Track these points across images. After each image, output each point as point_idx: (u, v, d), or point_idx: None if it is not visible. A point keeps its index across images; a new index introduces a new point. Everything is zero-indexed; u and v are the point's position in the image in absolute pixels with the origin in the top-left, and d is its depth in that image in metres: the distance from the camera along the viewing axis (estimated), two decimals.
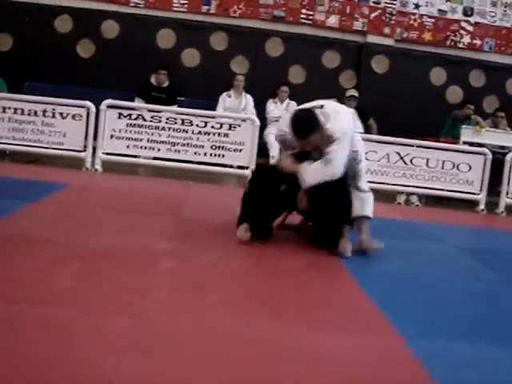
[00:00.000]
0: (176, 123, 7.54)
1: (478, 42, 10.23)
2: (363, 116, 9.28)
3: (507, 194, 8.01)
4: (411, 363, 2.56)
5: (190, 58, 9.69)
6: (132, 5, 9.59)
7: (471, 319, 3.26)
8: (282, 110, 9.21)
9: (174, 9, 9.66)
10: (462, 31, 10.18)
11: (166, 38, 9.72)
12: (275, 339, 2.65)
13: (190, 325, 2.72)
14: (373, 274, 4.01)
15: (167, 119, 7.53)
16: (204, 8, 9.78)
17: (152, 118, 7.49)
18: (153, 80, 8.84)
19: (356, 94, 9.30)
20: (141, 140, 7.43)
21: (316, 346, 2.63)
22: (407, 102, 9.75)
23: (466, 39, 10.19)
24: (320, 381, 2.30)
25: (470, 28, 10.18)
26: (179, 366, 2.28)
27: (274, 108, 9.27)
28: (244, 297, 3.21)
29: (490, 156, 7.82)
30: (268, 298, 3.25)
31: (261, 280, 3.62)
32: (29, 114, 7.49)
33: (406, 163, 7.66)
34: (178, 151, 7.55)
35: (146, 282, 3.20)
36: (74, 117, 7.37)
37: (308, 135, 4.04)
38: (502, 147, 8.30)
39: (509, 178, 7.99)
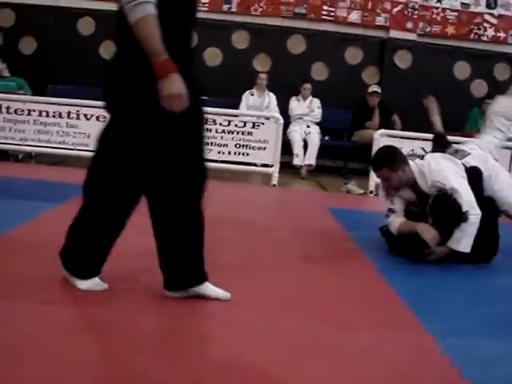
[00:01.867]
0: None
1: (502, 34, 10.10)
2: (387, 112, 9.29)
3: None
4: (442, 361, 2.54)
5: (213, 57, 9.68)
6: None
7: (500, 316, 3.23)
8: (305, 108, 9.23)
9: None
10: (485, 24, 10.05)
11: None
12: (305, 335, 2.66)
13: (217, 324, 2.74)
14: (399, 270, 3.98)
15: None
16: (225, 7, 9.78)
17: None
18: None
19: (379, 90, 9.27)
20: None
21: (346, 343, 2.63)
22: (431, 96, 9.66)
23: (490, 32, 10.07)
24: (350, 376, 2.30)
25: (494, 21, 10.05)
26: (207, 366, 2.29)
27: (297, 105, 9.26)
28: (273, 295, 3.21)
29: None
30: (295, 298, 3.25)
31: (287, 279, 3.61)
32: (53, 116, 7.58)
33: None
34: None
35: None
36: (98, 118, 7.43)
37: (379, 168, 4.19)
38: None
39: None
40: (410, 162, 4.24)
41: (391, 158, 4.18)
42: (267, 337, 2.61)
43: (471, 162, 4.29)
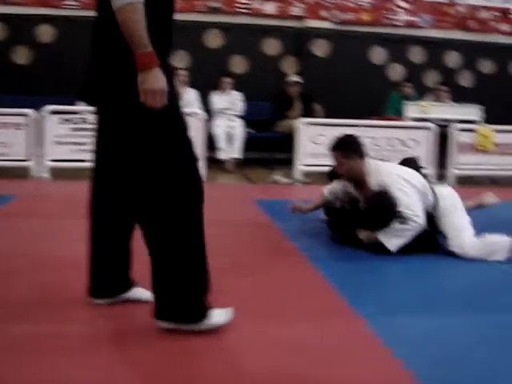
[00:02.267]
0: None
1: (414, 18, 10.32)
2: (308, 101, 9.36)
3: (454, 165, 8.17)
4: (373, 342, 2.58)
5: None
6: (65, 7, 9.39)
7: (428, 294, 3.30)
8: (226, 102, 9.20)
9: None
10: (397, 9, 10.25)
11: None
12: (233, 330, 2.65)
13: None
14: (329, 258, 4.02)
15: None
16: None
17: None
18: None
19: (298, 80, 9.35)
20: (86, 144, 7.27)
21: (279, 334, 2.63)
22: (350, 83, 9.80)
23: (403, 16, 10.27)
24: (283, 366, 2.30)
25: (406, 5, 10.27)
26: None
27: (218, 100, 9.23)
28: None
29: (436, 130, 7.94)
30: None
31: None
32: None
33: None
34: None
35: None
36: (15, 126, 7.23)
37: (334, 149, 4.30)
38: (446, 120, 8.44)
39: (454, 150, 8.15)
40: (370, 159, 4.30)
41: (347, 145, 4.27)
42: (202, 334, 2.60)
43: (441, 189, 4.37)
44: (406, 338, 2.66)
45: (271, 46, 9.96)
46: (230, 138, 8.94)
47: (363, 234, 4.12)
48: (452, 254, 4.07)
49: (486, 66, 10.79)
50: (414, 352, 2.50)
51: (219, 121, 9.08)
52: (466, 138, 8.27)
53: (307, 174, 7.61)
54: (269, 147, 9.41)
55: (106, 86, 2.51)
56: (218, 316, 2.64)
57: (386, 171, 4.16)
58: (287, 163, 8.26)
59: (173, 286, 2.58)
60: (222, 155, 8.80)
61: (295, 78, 9.39)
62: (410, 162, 4.75)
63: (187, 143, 2.59)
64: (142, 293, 2.91)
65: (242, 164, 8.85)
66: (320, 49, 10.04)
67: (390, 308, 3.04)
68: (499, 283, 3.64)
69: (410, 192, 4.07)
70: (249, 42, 9.80)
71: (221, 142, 8.84)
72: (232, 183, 7.84)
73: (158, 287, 2.61)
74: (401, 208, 3.96)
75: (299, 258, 3.96)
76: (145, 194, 2.55)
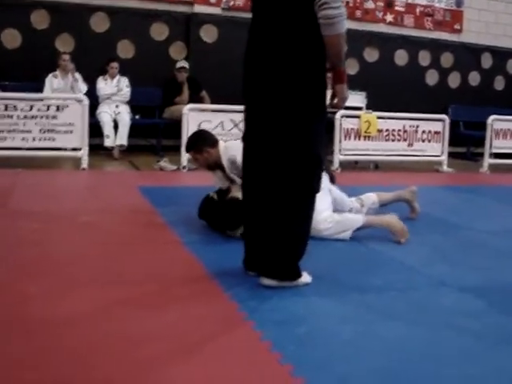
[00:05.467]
0: None
1: None
2: (196, 87, 9.30)
3: (340, 151, 8.35)
4: (244, 325, 2.57)
5: (10, 38, 9.12)
6: None
7: None
8: (113, 87, 9.01)
9: None
10: None
11: None
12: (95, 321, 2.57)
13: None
14: (205, 243, 3.99)
15: None
16: None
17: None
18: None
19: (186, 65, 9.27)
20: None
21: (141, 323, 2.56)
22: (238, 69, 9.75)
23: None
24: (151, 355, 2.24)
25: None
26: None
27: (104, 85, 9.00)
28: (72, 282, 3.07)
29: None
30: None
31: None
32: None
33: (240, 130, 7.71)
34: (5, 138, 7.16)
35: None
36: None
37: (187, 151, 4.64)
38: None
39: (340, 136, 8.32)
40: (221, 143, 4.46)
41: (195, 142, 4.50)
42: (67, 324, 2.49)
43: None
44: (275, 321, 2.65)
45: (159, 31, 9.79)
46: (116, 124, 8.74)
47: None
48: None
49: (371, 55, 11.07)
50: (282, 334, 2.50)
51: (105, 107, 8.86)
52: (350, 124, 8.45)
53: (192, 156, 7.53)
54: (156, 134, 9.31)
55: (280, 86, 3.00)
56: (307, 276, 3.16)
57: (234, 147, 4.22)
58: (174, 149, 8.18)
59: (283, 251, 3.07)
60: (108, 142, 8.60)
61: (183, 64, 9.29)
62: None
63: (322, 141, 3.18)
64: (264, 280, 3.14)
65: (128, 151, 8.68)
66: (208, 35, 9.98)
67: (262, 292, 3.03)
68: (365, 261, 3.75)
69: None
70: (136, 27, 9.60)
71: (107, 129, 8.63)
72: (117, 171, 7.67)
73: (269, 250, 3.08)
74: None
75: (175, 242, 3.91)
76: (283, 168, 3.03)
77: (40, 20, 9.25)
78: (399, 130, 8.86)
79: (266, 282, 3.09)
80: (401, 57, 11.35)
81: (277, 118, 3.03)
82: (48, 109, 7.31)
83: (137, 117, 9.20)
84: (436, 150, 9.10)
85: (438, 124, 9.11)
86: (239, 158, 4.02)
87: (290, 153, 3.02)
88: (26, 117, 7.22)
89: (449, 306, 2.96)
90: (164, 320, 2.61)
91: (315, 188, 3.12)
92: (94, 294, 2.88)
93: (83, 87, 8.64)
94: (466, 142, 11.18)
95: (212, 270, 3.33)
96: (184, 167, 7.51)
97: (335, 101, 3.09)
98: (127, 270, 3.31)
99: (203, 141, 4.46)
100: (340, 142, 8.34)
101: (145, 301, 2.85)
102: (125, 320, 2.58)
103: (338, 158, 8.31)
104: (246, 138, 3.24)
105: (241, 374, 2.14)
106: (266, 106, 3.06)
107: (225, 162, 4.32)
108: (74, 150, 7.51)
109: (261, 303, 2.86)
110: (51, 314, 2.62)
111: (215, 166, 4.44)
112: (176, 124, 8.19)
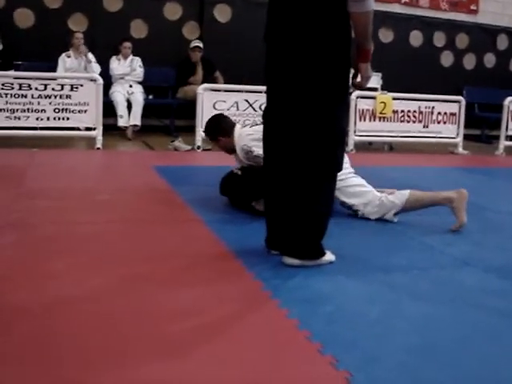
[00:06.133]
0: (13, 88, 7.11)
1: None
2: (210, 67, 9.24)
3: (354, 132, 8.30)
4: (270, 304, 2.55)
5: (24, 18, 9.08)
6: None
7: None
8: (126, 67, 8.98)
9: None
10: None
11: None
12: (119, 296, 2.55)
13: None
14: (225, 222, 3.96)
15: (3, 85, 7.07)
16: None
17: None
18: None
19: (201, 45, 9.22)
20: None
21: (167, 300, 2.54)
22: (251, 49, 9.59)
23: None
24: (171, 332, 2.22)
25: None
26: None
27: (117, 65, 8.98)
28: (96, 259, 3.06)
29: None
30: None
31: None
32: None
33: (255, 110, 7.68)
34: (19, 118, 7.14)
35: None
36: None
37: (205, 135, 4.71)
38: None
39: (355, 117, 8.25)
40: (237, 129, 4.41)
41: (210, 130, 4.56)
42: (91, 298, 2.48)
43: None
44: (301, 299, 2.63)
45: (172, 11, 9.73)
46: (129, 104, 8.71)
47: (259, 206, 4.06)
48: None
49: (386, 35, 10.97)
50: (308, 312, 2.48)
51: (119, 87, 8.83)
52: (365, 105, 8.39)
53: (208, 141, 7.50)
54: (169, 114, 9.27)
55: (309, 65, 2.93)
56: (330, 255, 3.15)
57: (246, 137, 4.22)
58: (188, 130, 8.15)
59: (305, 229, 3.04)
60: (122, 122, 8.57)
61: (198, 43, 9.24)
62: None
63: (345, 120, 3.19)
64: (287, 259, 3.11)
65: (141, 131, 8.65)
66: (221, 14, 9.91)
67: (285, 270, 3.01)
68: (387, 241, 3.72)
69: None
70: (149, 6, 9.54)
71: (120, 109, 8.60)
72: (131, 150, 7.64)
73: (292, 229, 3.06)
74: None
75: (195, 221, 3.89)
76: (308, 146, 2.99)
77: None
78: (414, 112, 8.79)
79: (289, 260, 3.06)
80: (416, 38, 11.27)
81: (301, 96, 2.96)
82: (62, 88, 7.28)
83: (150, 97, 9.16)
84: (451, 132, 9.03)
85: (454, 105, 9.03)
86: (255, 149, 3.99)
87: (314, 131, 2.97)
88: (40, 96, 7.19)
89: (473, 285, 2.94)
90: (189, 297, 2.59)
91: (338, 166, 3.08)
92: (118, 271, 2.86)
93: (97, 68, 8.59)
94: (481, 124, 11.10)
95: (234, 248, 3.30)
96: (198, 147, 7.48)
97: (358, 79, 3.05)
98: (150, 247, 3.29)
99: (218, 130, 4.46)
100: (355, 123, 8.28)
101: (169, 278, 2.82)
102: (150, 296, 2.56)
103: (352, 139, 8.25)
104: (268, 116, 3.19)
105: (269, 352, 2.12)
106: (290, 84, 3.01)
107: (239, 151, 4.30)
108: (88, 129, 7.49)
109: (285, 282, 2.83)
110: (79, 290, 2.61)
111: (232, 150, 4.44)
112: (190, 104, 8.16)
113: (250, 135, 4.17)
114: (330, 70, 2.93)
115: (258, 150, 3.78)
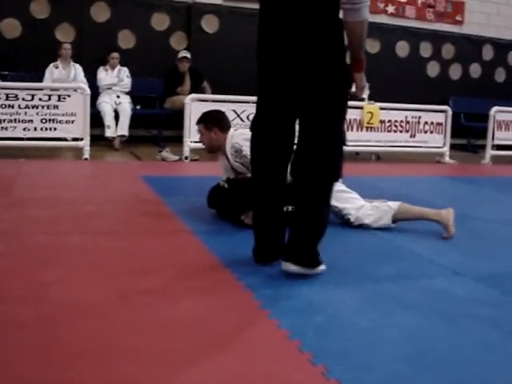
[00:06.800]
0: (0, 99, 7.08)
1: None
2: (197, 78, 9.24)
3: None
4: (260, 314, 2.54)
5: (11, 28, 9.05)
6: None
7: None
8: (113, 77, 8.97)
9: None
10: None
11: None
12: (112, 309, 2.53)
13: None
14: (214, 232, 3.95)
15: None
16: None
17: None
18: None
19: (188, 55, 9.22)
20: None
21: (166, 312, 2.53)
22: (239, 60, 9.70)
23: None
24: (168, 346, 2.21)
25: None
26: None
27: (105, 76, 8.97)
28: (84, 271, 3.04)
29: None
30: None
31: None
32: None
33: (242, 120, 7.69)
34: (6, 128, 7.11)
35: None
36: None
37: (198, 122, 4.51)
38: None
39: None
40: (231, 131, 4.43)
41: (209, 118, 4.47)
42: (84, 311, 2.46)
43: None
44: (291, 309, 2.63)
45: (160, 21, 9.74)
46: (117, 115, 8.70)
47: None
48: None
49: (374, 47, 11.02)
50: (298, 321, 2.48)
51: (106, 97, 8.82)
52: (353, 115, 8.41)
53: (196, 151, 7.51)
54: (157, 124, 9.27)
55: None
56: (324, 265, 3.11)
57: (239, 136, 4.25)
58: (176, 140, 8.14)
59: (310, 238, 3.02)
60: (109, 133, 8.55)
61: (185, 54, 9.25)
62: None
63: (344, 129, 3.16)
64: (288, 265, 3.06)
65: (129, 142, 8.63)
66: (209, 25, 9.93)
67: (274, 280, 3.00)
68: (375, 250, 3.73)
69: None
70: (137, 17, 9.54)
71: (108, 120, 8.59)
72: (118, 161, 7.62)
73: (298, 238, 3.02)
74: None
75: (184, 231, 3.88)
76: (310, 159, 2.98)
77: (40, 9, 9.19)
78: (401, 121, 8.84)
79: (292, 268, 3.02)
80: (402, 48, 11.34)
81: (306, 106, 2.98)
82: (49, 98, 7.26)
83: (137, 107, 9.16)
84: (438, 142, 9.08)
85: (441, 115, 9.09)
86: (245, 149, 4.01)
87: (318, 140, 2.96)
88: (27, 106, 7.17)
89: (463, 295, 2.94)
90: (180, 309, 2.57)
91: (339, 175, 3.12)
92: (107, 283, 2.84)
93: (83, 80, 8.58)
94: (467, 133, 11.17)
95: (223, 258, 3.29)
96: (186, 158, 7.47)
97: (353, 89, 3.06)
98: (139, 258, 3.27)
99: (218, 121, 4.44)
100: None
101: (159, 290, 2.81)
102: (140, 309, 2.55)
103: None
104: (258, 127, 3.17)
105: (261, 362, 2.11)
106: (290, 95, 3.01)
107: (228, 150, 4.30)
108: (75, 139, 7.46)
109: (275, 292, 2.83)
110: (69, 300, 2.59)
111: (217, 149, 4.43)
112: (177, 114, 8.16)
113: (243, 135, 4.18)
114: (333, 80, 2.94)
115: (247, 150, 3.80)
